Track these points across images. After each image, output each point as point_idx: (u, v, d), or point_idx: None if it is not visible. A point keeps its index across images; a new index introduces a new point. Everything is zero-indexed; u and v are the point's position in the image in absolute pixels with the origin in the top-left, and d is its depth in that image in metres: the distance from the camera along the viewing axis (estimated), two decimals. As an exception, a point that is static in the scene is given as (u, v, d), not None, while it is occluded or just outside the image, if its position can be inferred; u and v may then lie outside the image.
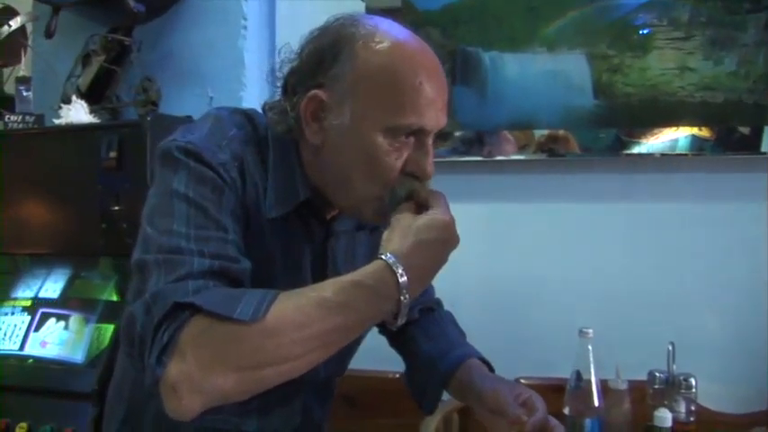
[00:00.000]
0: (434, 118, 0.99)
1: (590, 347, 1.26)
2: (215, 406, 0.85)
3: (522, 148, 1.99)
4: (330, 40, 1.00)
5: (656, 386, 1.54)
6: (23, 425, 1.68)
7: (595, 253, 1.95)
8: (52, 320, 1.81)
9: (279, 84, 1.07)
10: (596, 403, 1.26)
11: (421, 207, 0.98)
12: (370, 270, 0.89)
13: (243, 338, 0.83)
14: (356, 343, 1.18)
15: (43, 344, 1.77)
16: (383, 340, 1.34)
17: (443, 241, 0.94)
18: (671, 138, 1.88)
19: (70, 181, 1.92)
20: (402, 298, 0.89)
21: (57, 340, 1.77)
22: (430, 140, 1.01)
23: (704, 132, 1.86)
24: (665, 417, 1.40)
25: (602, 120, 1.92)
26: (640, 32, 1.89)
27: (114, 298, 1.80)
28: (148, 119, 1.83)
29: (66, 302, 1.83)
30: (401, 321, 0.91)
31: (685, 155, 1.88)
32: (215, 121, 1.05)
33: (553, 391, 1.31)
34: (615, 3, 1.90)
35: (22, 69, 2.23)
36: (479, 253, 1.98)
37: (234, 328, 0.82)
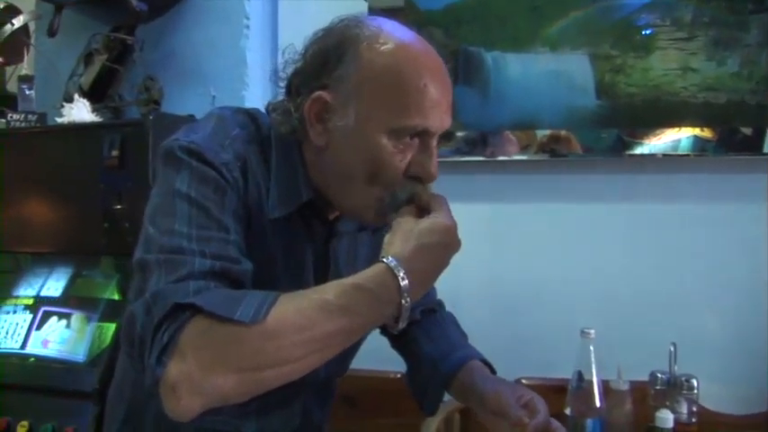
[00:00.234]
0: (439, 119, 0.99)
1: (591, 348, 1.26)
2: (214, 407, 0.84)
3: (524, 149, 1.99)
4: (334, 41, 1.00)
5: (658, 387, 1.54)
6: (25, 423, 1.68)
7: (597, 253, 1.95)
8: (54, 319, 1.81)
9: (282, 84, 1.07)
10: (598, 404, 1.26)
11: (423, 211, 0.98)
12: (371, 273, 0.89)
13: (243, 340, 0.83)
14: (357, 344, 1.17)
15: (45, 342, 1.77)
16: (384, 340, 1.34)
17: (445, 245, 0.94)
18: (673, 138, 1.88)
19: (72, 180, 1.92)
20: (403, 302, 0.89)
21: (58, 339, 1.77)
22: (434, 142, 1.01)
23: (706, 133, 1.86)
24: (666, 417, 1.40)
25: (604, 120, 1.92)
26: (643, 33, 1.88)
27: (116, 297, 1.79)
28: (151, 118, 1.83)
29: (67, 301, 1.83)
30: (402, 325, 0.91)
31: (687, 155, 1.87)
32: (218, 121, 1.05)
33: (555, 391, 1.31)
34: (618, 3, 1.90)
35: (25, 68, 2.23)
36: (481, 253, 1.98)
37: (234, 330, 0.82)
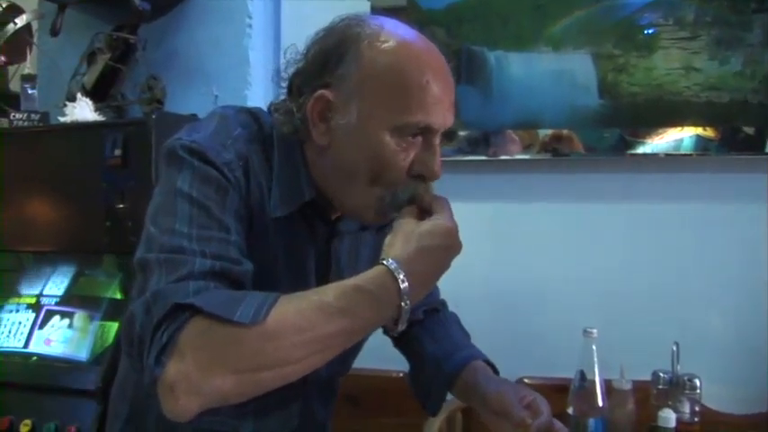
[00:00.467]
0: (441, 117, 0.99)
1: (594, 347, 1.26)
2: (212, 408, 0.84)
3: (526, 148, 1.99)
4: (336, 40, 1.00)
5: (661, 386, 1.55)
6: (27, 422, 1.69)
7: (599, 252, 1.95)
8: (56, 318, 1.81)
9: (284, 85, 1.07)
10: (600, 403, 1.26)
11: (424, 212, 0.98)
12: (371, 275, 0.89)
13: (242, 341, 0.83)
14: (359, 343, 1.17)
15: (47, 341, 1.78)
16: (386, 339, 1.34)
17: (446, 248, 0.94)
18: (675, 138, 1.87)
19: (75, 179, 1.92)
20: (403, 304, 0.89)
21: (61, 338, 1.77)
22: (437, 140, 1.01)
23: (709, 132, 1.85)
24: (669, 417, 1.40)
25: (606, 119, 1.91)
26: (646, 32, 1.88)
27: (118, 296, 1.80)
28: (153, 117, 1.83)
29: (70, 300, 1.83)
30: (401, 327, 0.91)
31: (690, 155, 1.87)
32: (220, 120, 1.05)
33: (557, 390, 1.31)
34: (621, 2, 1.90)
35: (28, 67, 2.23)
36: (483, 252, 1.98)
37: (234, 331, 0.82)
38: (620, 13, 1.90)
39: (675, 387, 1.52)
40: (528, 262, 2.01)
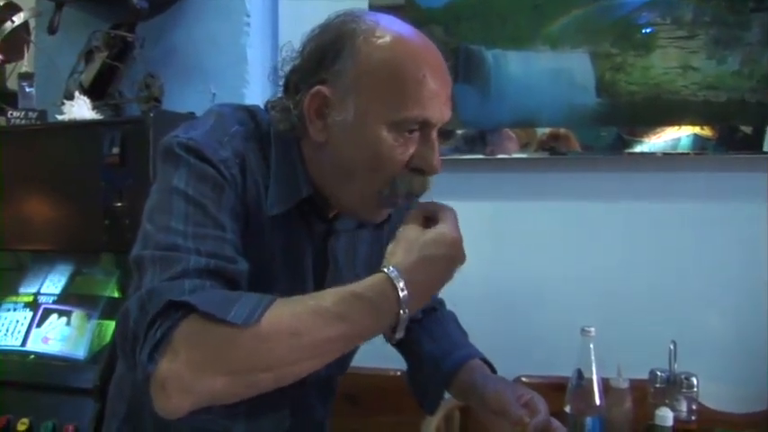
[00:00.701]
0: (438, 110, 0.99)
1: (591, 346, 1.26)
2: (204, 407, 0.84)
3: (523, 147, 1.99)
4: (332, 36, 1.00)
5: (658, 385, 1.55)
6: (25, 421, 1.69)
7: (597, 251, 1.95)
8: (54, 316, 1.81)
9: (281, 82, 1.07)
10: (598, 402, 1.26)
11: (429, 221, 0.97)
12: (370, 282, 0.89)
13: (236, 342, 0.82)
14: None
15: (45, 340, 1.78)
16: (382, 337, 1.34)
17: (449, 258, 0.93)
18: (673, 137, 1.88)
19: (73, 177, 1.92)
20: (401, 312, 0.88)
21: (58, 336, 1.77)
22: (434, 134, 1.00)
23: (706, 131, 1.86)
24: (666, 416, 1.41)
25: (604, 118, 1.91)
26: (644, 31, 1.88)
27: (116, 294, 1.80)
28: (151, 115, 1.83)
29: (68, 299, 1.84)
30: (399, 335, 0.91)
31: (687, 154, 1.87)
32: (217, 118, 1.05)
33: (554, 389, 1.31)
34: (619, 1, 1.89)
35: (25, 65, 2.23)
36: (480, 251, 1.96)
37: (227, 331, 0.82)
38: (618, 12, 1.90)
39: (672, 386, 1.53)
40: (525, 261, 2.01)
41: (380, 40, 0.98)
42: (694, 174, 1.90)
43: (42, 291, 1.87)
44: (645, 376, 1.56)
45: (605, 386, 1.31)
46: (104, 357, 1.69)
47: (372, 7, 2.02)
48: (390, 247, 0.94)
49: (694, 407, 1.50)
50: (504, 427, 1.12)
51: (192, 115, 1.89)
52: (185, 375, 0.82)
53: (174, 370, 0.82)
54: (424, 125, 0.99)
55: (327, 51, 0.99)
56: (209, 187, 0.96)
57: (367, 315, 0.87)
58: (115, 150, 1.81)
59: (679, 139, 1.87)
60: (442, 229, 0.94)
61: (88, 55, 2.09)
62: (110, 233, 1.83)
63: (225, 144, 1.00)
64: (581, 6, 1.92)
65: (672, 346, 1.55)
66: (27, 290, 1.89)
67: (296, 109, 1.01)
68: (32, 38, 2.25)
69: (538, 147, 1.97)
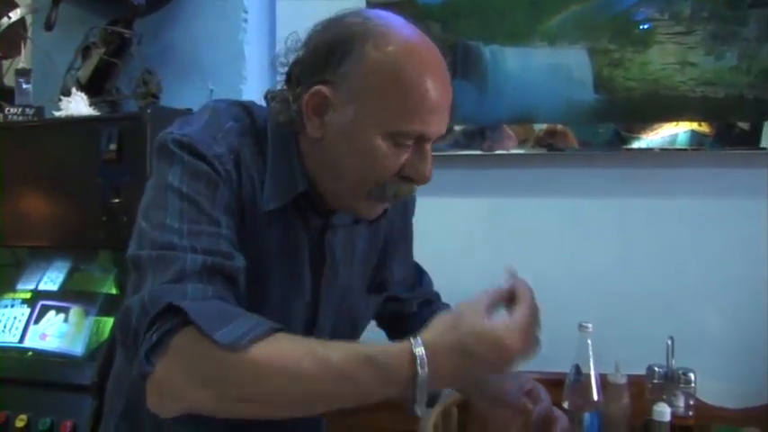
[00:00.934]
0: (437, 125, 0.99)
1: (589, 342, 1.26)
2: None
3: (521, 143, 1.99)
4: (340, 36, 0.99)
5: (655, 381, 1.55)
6: (23, 417, 1.69)
7: (594, 247, 1.95)
8: (52, 313, 1.81)
9: (282, 71, 1.07)
10: (595, 397, 1.26)
11: (508, 300, 0.92)
12: (392, 350, 0.85)
13: (228, 367, 0.82)
14: (356, 337, 1.17)
15: (43, 336, 1.78)
16: (381, 332, 1.34)
17: (487, 362, 0.86)
18: (670, 133, 1.87)
19: (70, 174, 1.92)
20: (417, 390, 0.83)
21: (56, 333, 1.77)
22: (429, 146, 1.00)
23: (704, 127, 1.85)
24: (663, 411, 1.40)
25: (602, 114, 1.91)
26: (641, 27, 1.88)
27: (114, 291, 1.80)
28: (149, 111, 1.83)
29: (65, 295, 1.83)
30: (419, 412, 0.86)
31: (685, 150, 1.87)
32: (212, 114, 1.04)
33: (552, 385, 1.31)
34: (616, -3, 1.90)
35: (22, 61, 2.23)
36: (478, 247, 1.98)
37: (213, 349, 0.81)
38: (616, 7, 1.89)
39: (670, 381, 1.52)
40: (523, 256, 1.99)
41: (389, 48, 0.97)
42: (692, 170, 1.90)
43: (40, 287, 1.87)
44: (642, 372, 1.56)
45: (603, 382, 1.31)
46: (102, 354, 1.69)
47: (370, 4, 2.02)
48: (438, 317, 0.89)
49: (692, 402, 1.50)
50: (500, 415, 1.12)
51: (189, 112, 1.88)
52: (177, 384, 0.84)
53: (168, 377, 0.83)
54: (420, 138, 0.99)
55: (335, 51, 0.98)
56: (203, 184, 0.96)
57: (371, 381, 0.84)
58: (112, 147, 1.81)
59: (677, 135, 1.87)
60: (500, 329, 0.86)
61: (85, 51, 2.08)
62: (107, 229, 1.83)
63: (219, 140, 1.00)
64: (579, 2, 1.92)
65: (669, 342, 1.55)
66: (25, 286, 1.89)
67: (295, 102, 1.01)
68: (29, 34, 2.25)
69: (535, 143, 1.97)
